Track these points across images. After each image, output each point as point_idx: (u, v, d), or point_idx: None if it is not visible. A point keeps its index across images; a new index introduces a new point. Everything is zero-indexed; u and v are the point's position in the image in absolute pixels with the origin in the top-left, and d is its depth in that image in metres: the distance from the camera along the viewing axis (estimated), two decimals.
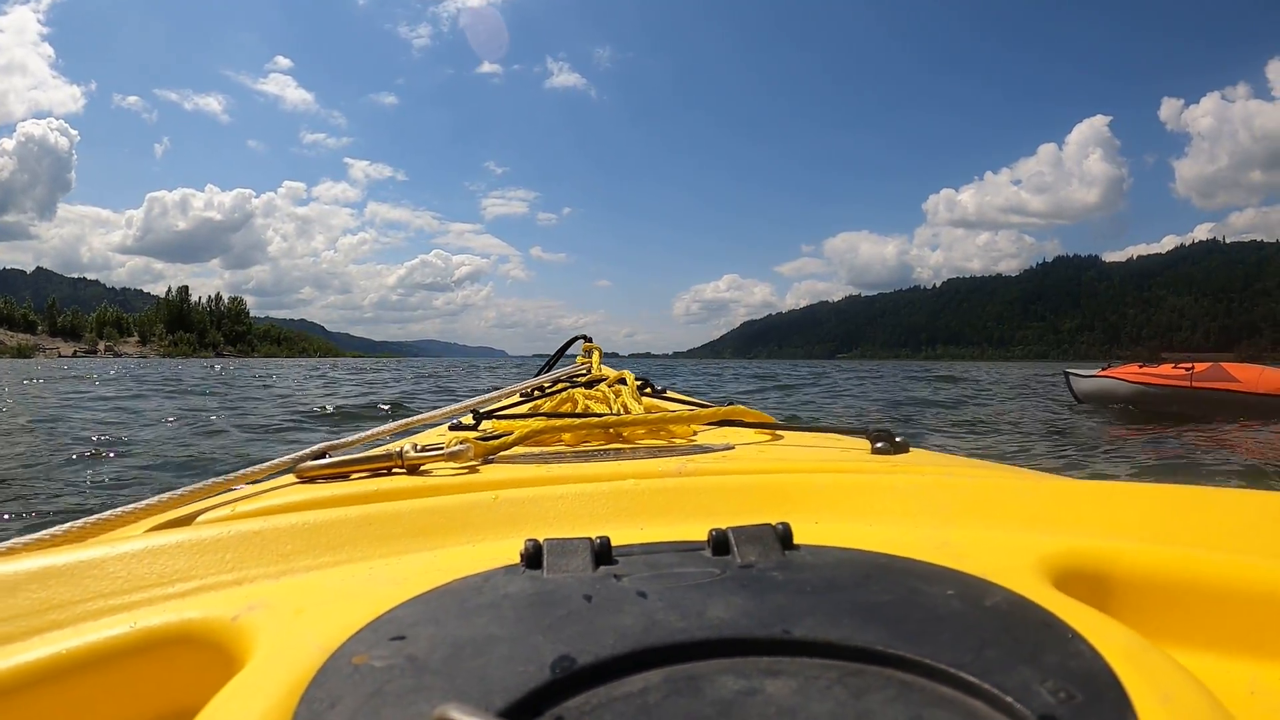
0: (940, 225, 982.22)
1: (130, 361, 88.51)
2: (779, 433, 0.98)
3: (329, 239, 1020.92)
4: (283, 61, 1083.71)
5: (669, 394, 1.58)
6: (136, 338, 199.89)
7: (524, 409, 1.31)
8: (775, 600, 0.31)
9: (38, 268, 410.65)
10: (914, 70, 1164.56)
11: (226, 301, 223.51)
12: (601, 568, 0.35)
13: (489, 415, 1.13)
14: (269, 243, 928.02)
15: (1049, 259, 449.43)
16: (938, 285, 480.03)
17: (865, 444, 0.84)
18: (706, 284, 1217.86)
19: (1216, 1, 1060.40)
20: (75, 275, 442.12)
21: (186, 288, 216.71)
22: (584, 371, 1.87)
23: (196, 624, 0.34)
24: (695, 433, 1.05)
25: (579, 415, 1.10)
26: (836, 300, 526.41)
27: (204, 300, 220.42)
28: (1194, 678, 0.26)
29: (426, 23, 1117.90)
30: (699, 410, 1.03)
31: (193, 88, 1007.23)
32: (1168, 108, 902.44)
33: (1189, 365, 9.09)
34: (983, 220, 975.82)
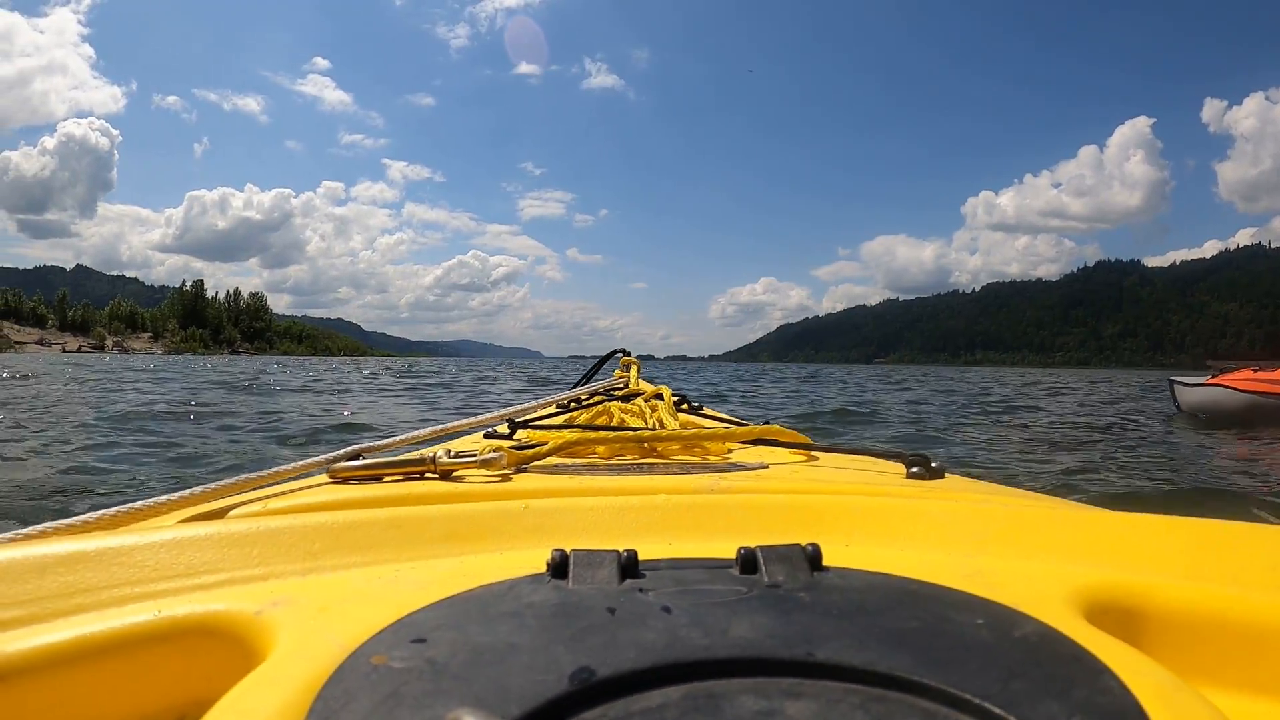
0: (979, 229, 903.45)
1: (115, 358, 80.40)
2: (814, 454, 0.98)
3: (367, 239, 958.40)
4: (321, 62, 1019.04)
5: (705, 411, 1.57)
6: (150, 334, 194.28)
7: (559, 420, 1.32)
8: (800, 621, 0.30)
9: (77, 265, 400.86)
10: (953, 72, 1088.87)
11: (246, 297, 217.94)
12: (627, 581, 0.34)
13: (524, 425, 1.14)
14: (307, 242, 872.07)
15: (1089, 263, 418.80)
16: (976, 290, 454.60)
17: (901, 468, 0.83)
18: (742, 287, 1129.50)
19: (1260, 0, 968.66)
20: (115, 273, 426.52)
21: (201, 281, 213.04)
22: (621, 385, 1.86)
23: (220, 616, 0.34)
24: (730, 450, 1.05)
25: (614, 429, 1.11)
26: (874, 304, 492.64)
27: (222, 295, 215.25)
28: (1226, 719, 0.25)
29: (464, 23, 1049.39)
30: (734, 428, 1.03)
31: (232, 88, 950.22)
32: (1210, 109, 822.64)
33: None
34: (1022, 224, 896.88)
